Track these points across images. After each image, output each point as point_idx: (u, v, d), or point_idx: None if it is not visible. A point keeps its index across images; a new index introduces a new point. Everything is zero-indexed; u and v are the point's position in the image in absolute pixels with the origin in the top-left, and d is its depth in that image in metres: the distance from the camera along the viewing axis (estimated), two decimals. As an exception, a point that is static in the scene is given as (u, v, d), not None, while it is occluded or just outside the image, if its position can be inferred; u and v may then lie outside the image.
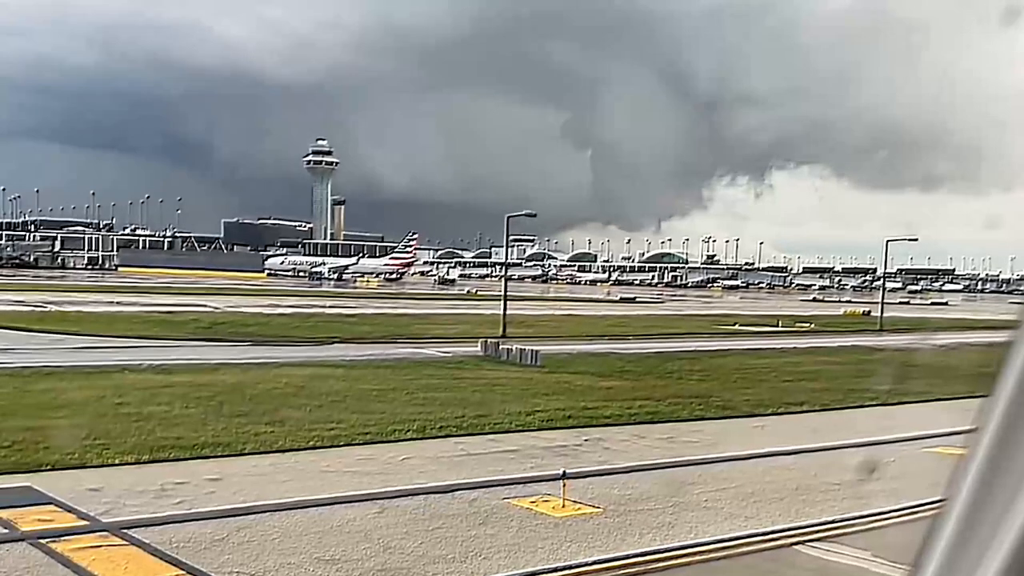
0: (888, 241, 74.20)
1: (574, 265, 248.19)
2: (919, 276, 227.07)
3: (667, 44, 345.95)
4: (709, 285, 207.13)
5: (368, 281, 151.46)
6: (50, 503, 14.14)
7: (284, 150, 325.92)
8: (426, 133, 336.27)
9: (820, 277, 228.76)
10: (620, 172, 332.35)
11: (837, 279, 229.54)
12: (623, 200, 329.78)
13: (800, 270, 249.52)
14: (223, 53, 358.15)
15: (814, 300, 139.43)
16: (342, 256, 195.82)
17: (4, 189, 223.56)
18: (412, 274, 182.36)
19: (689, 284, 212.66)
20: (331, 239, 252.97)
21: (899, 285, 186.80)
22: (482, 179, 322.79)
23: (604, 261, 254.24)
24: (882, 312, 70.25)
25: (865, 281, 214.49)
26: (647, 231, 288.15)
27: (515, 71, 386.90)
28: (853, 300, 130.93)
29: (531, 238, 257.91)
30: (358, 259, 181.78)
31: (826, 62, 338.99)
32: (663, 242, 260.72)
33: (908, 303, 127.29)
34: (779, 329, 63.54)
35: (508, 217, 54.05)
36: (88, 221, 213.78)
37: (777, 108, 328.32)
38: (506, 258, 68.01)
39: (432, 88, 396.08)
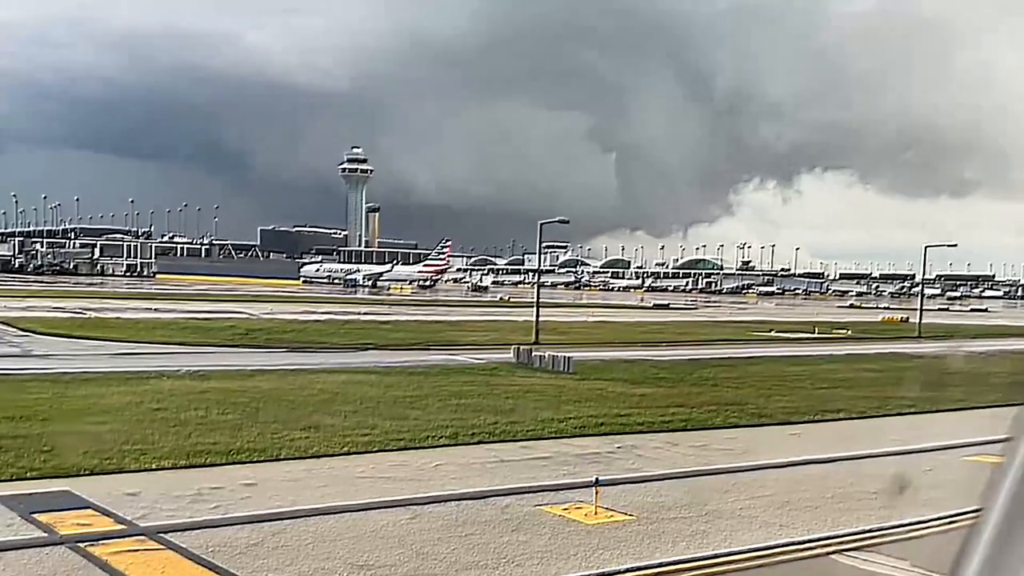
0: (927, 247, 73.36)
1: (607, 272, 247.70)
2: (958, 283, 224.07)
3: (692, 48, 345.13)
4: (744, 291, 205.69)
5: (402, 288, 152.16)
6: (88, 507, 14.29)
7: (318, 158, 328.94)
8: (458, 139, 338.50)
9: (857, 283, 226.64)
10: (646, 177, 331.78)
11: (875, 285, 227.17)
12: (650, 205, 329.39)
13: (837, 276, 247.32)
14: (255, 62, 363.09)
15: (851, 307, 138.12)
16: (376, 263, 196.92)
17: (45, 197, 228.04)
18: (445, 281, 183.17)
19: (724, 290, 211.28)
20: (366, 246, 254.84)
21: (938, 292, 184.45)
22: (513, 185, 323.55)
23: (638, 267, 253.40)
24: (920, 318, 69.39)
25: (903, 287, 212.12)
26: (675, 236, 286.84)
27: (543, 77, 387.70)
28: (891, 307, 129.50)
29: (564, 245, 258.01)
30: (392, 266, 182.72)
31: (853, 65, 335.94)
32: (697, 248, 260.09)
33: (947, 310, 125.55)
34: (815, 336, 62.93)
35: (541, 224, 53.88)
36: (127, 229, 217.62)
37: (804, 112, 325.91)
38: (539, 265, 67.71)
39: (462, 94, 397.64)
